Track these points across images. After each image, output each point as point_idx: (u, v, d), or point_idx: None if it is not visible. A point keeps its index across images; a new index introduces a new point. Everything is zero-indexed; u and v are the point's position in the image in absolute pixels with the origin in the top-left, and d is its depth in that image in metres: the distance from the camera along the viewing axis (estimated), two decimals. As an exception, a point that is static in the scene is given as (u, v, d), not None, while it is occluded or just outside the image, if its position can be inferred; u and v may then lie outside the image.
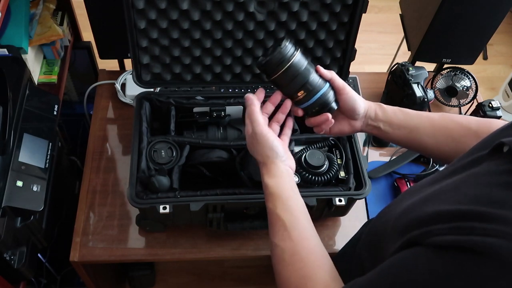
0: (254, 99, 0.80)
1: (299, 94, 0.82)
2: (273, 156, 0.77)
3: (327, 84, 0.83)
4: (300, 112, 0.84)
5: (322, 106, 0.83)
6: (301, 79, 0.81)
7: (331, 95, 0.83)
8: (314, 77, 0.81)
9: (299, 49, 0.81)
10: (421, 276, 0.48)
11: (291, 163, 0.80)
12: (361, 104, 0.83)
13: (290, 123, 0.87)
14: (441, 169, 1.17)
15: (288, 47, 0.80)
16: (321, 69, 0.83)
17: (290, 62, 0.79)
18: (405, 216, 0.56)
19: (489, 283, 0.43)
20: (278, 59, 0.79)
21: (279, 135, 0.84)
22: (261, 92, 0.84)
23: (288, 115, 0.86)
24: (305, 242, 0.68)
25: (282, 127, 0.86)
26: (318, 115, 0.83)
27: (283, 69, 0.80)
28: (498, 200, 0.47)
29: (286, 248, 0.67)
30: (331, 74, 0.83)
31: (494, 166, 0.52)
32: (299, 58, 0.80)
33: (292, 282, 0.65)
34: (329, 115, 0.82)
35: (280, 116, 0.85)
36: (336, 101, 0.84)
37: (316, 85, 0.81)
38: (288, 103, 0.85)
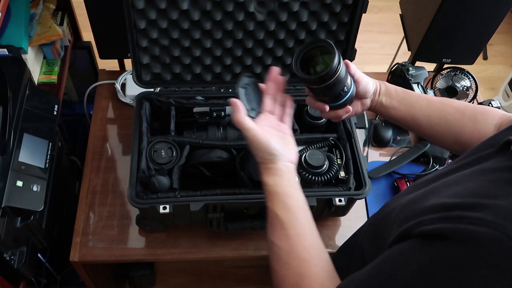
0: (239, 105, 0.77)
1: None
2: (271, 158, 0.76)
3: (352, 80, 0.82)
4: (327, 108, 0.83)
5: (349, 101, 0.83)
6: (340, 87, 0.78)
7: (354, 89, 0.82)
8: (348, 80, 0.79)
9: (341, 60, 0.77)
10: (409, 268, 0.48)
11: (291, 155, 0.78)
12: (371, 84, 0.85)
13: (289, 102, 0.85)
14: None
15: (335, 61, 0.74)
16: (350, 66, 0.81)
17: (335, 77, 0.76)
18: (406, 209, 0.56)
19: (471, 271, 0.43)
20: (322, 76, 0.75)
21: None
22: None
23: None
24: (302, 240, 0.67)
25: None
26: (341, 108, 0.83)
27: (326, 84, 0.76)
28: (493, 194, 0.47)
29: (283, 246, 0.67)
30: (354, 69, 0.82)
31: (498, 163, 0.52)
32: (342, 70, 0.76)
33: (288, 280, 0.64)
34: (350, 107, 0.83)
35: (280, 97, 0.85)
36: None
37: (349, 86, 0.80)
38: (281, 80, 0.84)
